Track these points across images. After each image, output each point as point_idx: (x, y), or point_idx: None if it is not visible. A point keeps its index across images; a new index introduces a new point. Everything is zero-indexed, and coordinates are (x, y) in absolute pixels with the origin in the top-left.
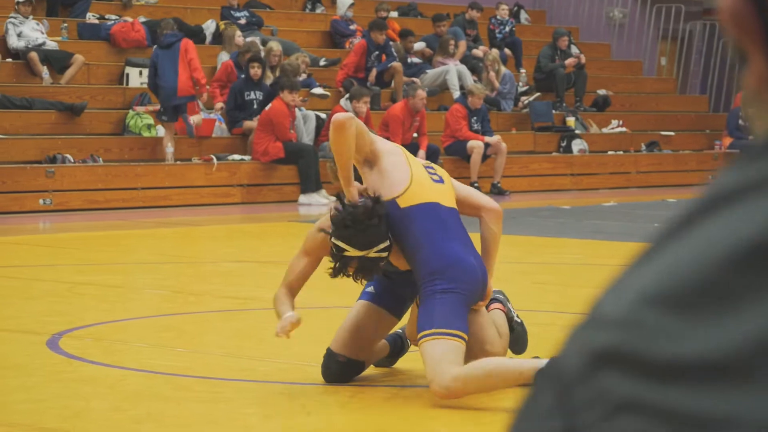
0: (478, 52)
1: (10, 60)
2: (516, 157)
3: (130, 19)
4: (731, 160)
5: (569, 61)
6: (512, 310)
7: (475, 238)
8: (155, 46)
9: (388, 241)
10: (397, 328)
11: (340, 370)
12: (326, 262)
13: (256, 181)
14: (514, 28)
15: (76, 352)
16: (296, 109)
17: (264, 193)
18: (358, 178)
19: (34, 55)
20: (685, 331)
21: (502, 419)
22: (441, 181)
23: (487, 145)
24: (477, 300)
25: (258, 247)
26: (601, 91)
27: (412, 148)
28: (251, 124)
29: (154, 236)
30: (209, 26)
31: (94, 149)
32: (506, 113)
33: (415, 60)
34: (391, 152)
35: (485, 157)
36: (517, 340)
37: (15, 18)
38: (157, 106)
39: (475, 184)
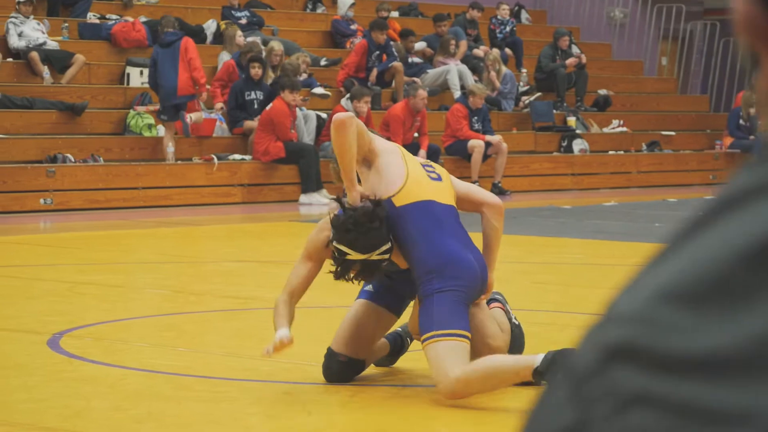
0: (479, 51)
1: (10, 60)
2: (517, 157)
3: (130, 19)
4: (744, 162)
5: (570, 61)
6: (510, 311)
7: (477, 236)
8: (156, 45)
9: (389, 243)
10: (396, 327)
11: (341, 369)
12: (328, 263)
13: (256, 181)
14: (514, 28)
15: (77, 352)
16: (297, 109)
17: (265, 192)
18: (357, 179)
19: (34, 54)
20: (698, 326)
21: (502, 419)
22: (439, 179)
23: (488, 144)
24: (477, 296)
25: (259, 247)
26: (602, 91)
27: (413, 147)
28: (252, 123)
29: (155, 236)
30: (210, 26)
31: (95, 149)
32: (507, 113)
33: (416, 60)
34: (388, 151)
35: (486, 156)
36: (514, 342)
37: (16, 18)
38: (158, 106)
39: (476, 184)
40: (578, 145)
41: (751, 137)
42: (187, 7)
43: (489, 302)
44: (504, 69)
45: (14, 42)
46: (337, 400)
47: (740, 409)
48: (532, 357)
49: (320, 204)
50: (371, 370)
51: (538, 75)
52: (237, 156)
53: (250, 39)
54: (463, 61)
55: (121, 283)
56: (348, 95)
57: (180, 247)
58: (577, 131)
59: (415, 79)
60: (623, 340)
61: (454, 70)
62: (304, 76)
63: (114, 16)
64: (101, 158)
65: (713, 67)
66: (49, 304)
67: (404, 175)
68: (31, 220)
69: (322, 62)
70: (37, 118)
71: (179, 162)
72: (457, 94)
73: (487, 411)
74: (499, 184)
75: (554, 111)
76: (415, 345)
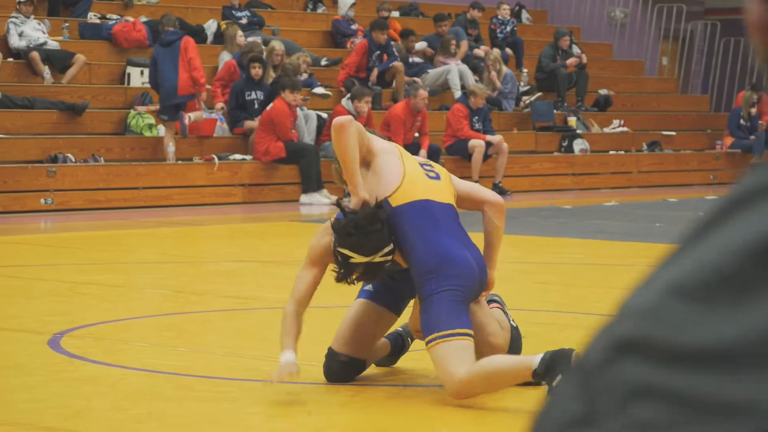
0: (480, 51)
1: (11, 60)
2: (517, 157)
3: (131, 19)
4: (753, 164)
5: (571, 61)
6: (508, 313)
7: (477, 236)
8: (156, 44)
9: (392, 245)
10: (397, 326)
11: (342, 369)
12: (332, 266)
13: (257, 181)
14: (515, 28)
15: (78, 352)
16: (297, 109)
17: (265, 192)
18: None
19: (35, 54)
20: (704, 319)
21: (502, 419)
22: (437, 177)
23: (488, 144)
24: (476, 294)
25: (259, 247)
26: (603, 91)
27: (414, 147)
28: (252, 123)
29: (156, 236)
30: (210, 26)
31: (96, 149)
32: (508, 113)
33: (417, 60)
34: (386, 151)
35: (486, 156)
36: (512, 344)
37: (16, 18)
38: (158, 106)
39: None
40: (579, 145)
41: (752, 137)
42: (188, 7)
43: (488, 303)
44: (504, 69)
45: (15, 42)
46: (338, 400)
47: (745, 401)
48: (531, 358)
49: (321, 204)
50: (372, 370)
51: (539, 75)
52: (237, 156)
53: (250, 39)
54: (464, 61)
55: (121, 283)
56: (348, 95)
57: (181, 247)
58: (578, 131)
59: (416, 79)
60: (632, 333)
61: (454, 70)
62: (305, 76)
63: (114, 16)
64: (102, 158)
65: (714, 67)
66: (50, 303)
67: (401, 175)
68: (32, 220)
69: (323, 62)
70: (37, 118)
71: (180, 162)
72: (458, 94)
73: (487, 411)
74: (500, 184)
75: (555, 111)
76: (415, 345)
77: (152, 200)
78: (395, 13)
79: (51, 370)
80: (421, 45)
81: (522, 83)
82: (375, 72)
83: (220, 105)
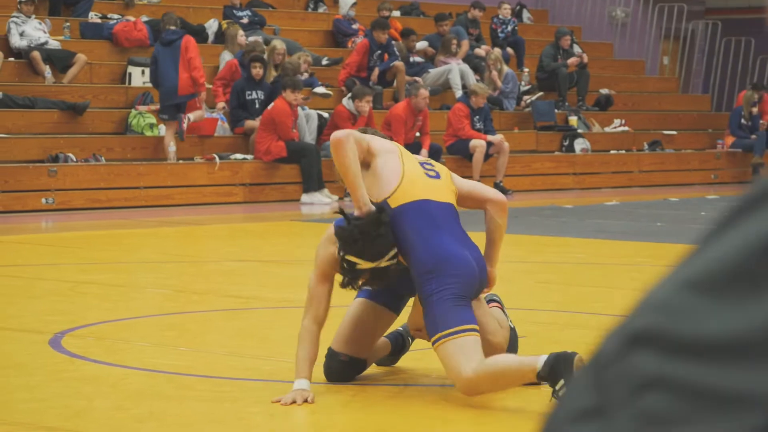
0: (481, 51)
1: (12, 59)
2: (518, 157)
3: (132, 19)
4: (755, 163)
5: (572, 61)
6: (506, 313)
7: (477, 236)
8: (157, 43)
9: (395, 248)
10: (397, 326)
11: (342, 368)
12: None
13: (258, 181)
14: (516, 28)
15: (79, 351)
16: (298, 108)
17: (266, 192)
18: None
19: (36, 54)
20: (715, 312)
21: (503, 419)
22: (437, 176)
23: (489, 144)
24: (476, 293)
25: (260, 247)
26: (604, 91)
27: (415, 147)
28: (253, 123)
29: (157, 235)
30: (212, 25)
31: (97, 148)
32: (509, 112)
33: (418, 59)
34: (385, 151)
35: (488, 156)
36: (509, 346)
37: (17, 17)
38: (159, 105)
39: None
40: (580, 144)
41: (753, 136)
42: (189, 7)
43: (487, 302)
44: (505, 68)
45: (16, 41)
46: (339, 399)
47: (755, 392)
48: (535, 359)
49: (322, 203)
50: (372, 369)
51: (540, 74)
52: (238, 155)
53: (251, 38)
54: (465, 60)
55: (122, 282)
56: (349, 95)
57: (182, 247)
58: (579, 130)
59: (417, 78)
60: (644, 326)
61: (455, 70)
62: (306, 75)
63: (115, 16)
64: (103, 158)
65: (715, 66)
66: (51, 303)
67: (400, 175)
68: (33, 220)
69: (324, 61)
70: (38, 117)
71: (181, 161)
72: (459, 93)
73: (488, 411)
74: (501, 184)
75: (556, 110)
76: (416, 345)
77: (153, 200)
78: (396, 13)
79: (52, 369)
80: (422, 44)
81: (523, 83)
82: (376, 71)
83: (221, 104)
